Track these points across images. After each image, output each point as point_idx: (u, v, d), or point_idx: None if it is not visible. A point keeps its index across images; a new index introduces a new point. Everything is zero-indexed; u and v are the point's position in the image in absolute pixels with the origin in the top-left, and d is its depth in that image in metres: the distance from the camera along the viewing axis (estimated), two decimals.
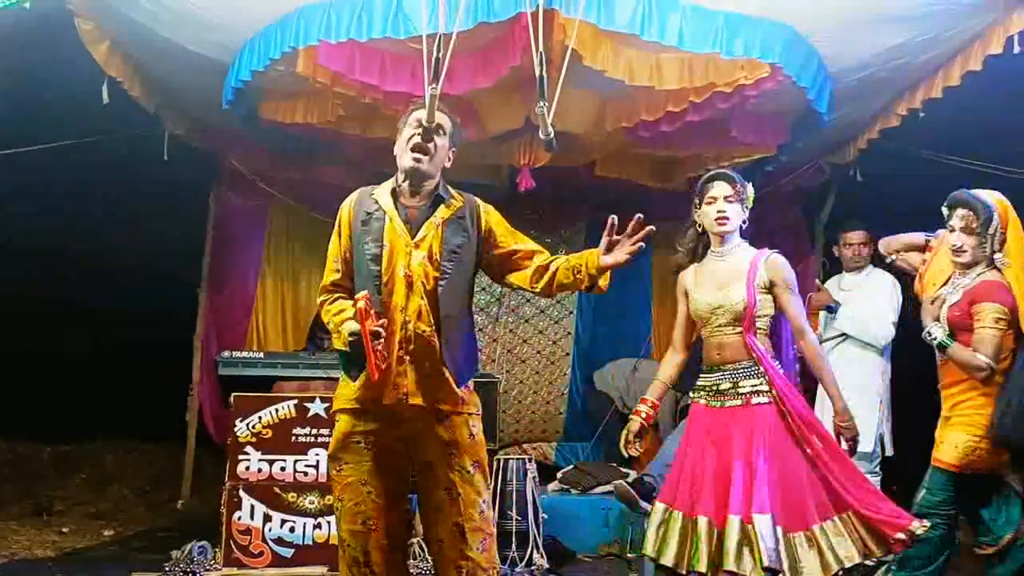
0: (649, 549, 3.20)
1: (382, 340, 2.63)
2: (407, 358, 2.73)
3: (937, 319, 3.48)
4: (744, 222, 3.27)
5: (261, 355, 5.04)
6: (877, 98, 4.79)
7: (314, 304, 5.28)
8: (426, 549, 4.11)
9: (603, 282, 2.80)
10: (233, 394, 4.48)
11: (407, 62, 4.11)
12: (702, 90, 4.23)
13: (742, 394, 3.16)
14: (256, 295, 6.37)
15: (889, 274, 4.83)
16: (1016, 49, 3.84)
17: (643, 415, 3.43)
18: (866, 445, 4.60)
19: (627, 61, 4.04)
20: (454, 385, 2.79)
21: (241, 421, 4.36)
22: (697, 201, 3.32)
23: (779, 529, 2.98)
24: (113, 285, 7.07)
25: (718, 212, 3.22)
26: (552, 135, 2.95)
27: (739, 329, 3.18)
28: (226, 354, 5.05)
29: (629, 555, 5.01)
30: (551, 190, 5.62)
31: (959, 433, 3.39)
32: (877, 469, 4.66)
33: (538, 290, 2.88)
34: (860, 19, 4.02)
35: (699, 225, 3.32)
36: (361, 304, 2.61)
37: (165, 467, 6.72)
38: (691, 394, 3.43)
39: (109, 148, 5.28)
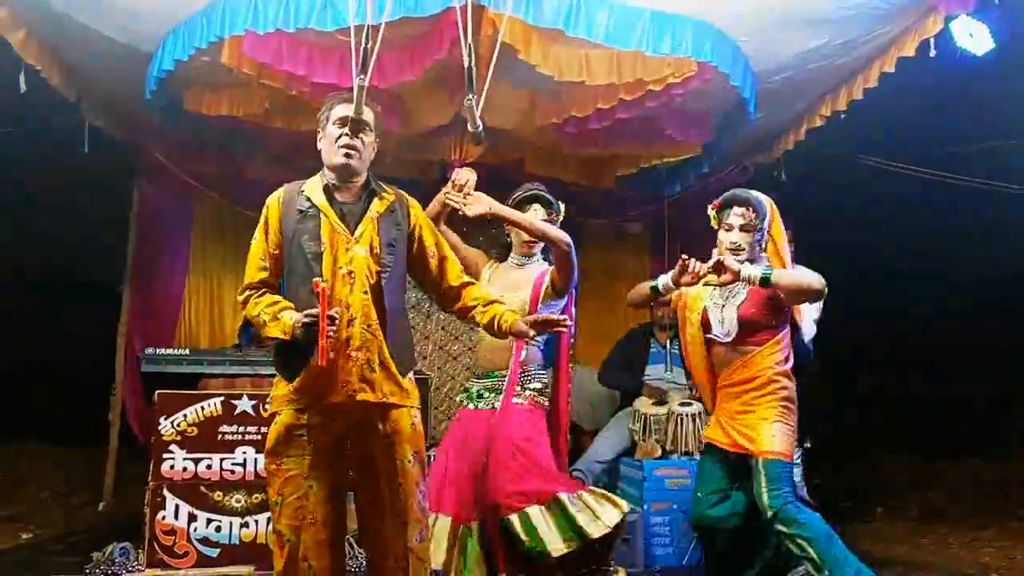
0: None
1: (336, 328, 2.64)
2: (353, 354, 2.73)
3: (721, 322, 3.55)
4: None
5: (187, 352, 4.94)
6: (798, 99, 4.93)
7: None
8: (359, 543, 4.10)
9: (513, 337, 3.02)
10: (157, 391, 4.38)
11: (335, 54, 4.07)
12: (632, 87, 4.30)
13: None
14: (184, 292, 6.23)
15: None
16: (932, 52, 3.99)
17: None
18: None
19: (556, 57, 4.08)
20: (400, 377, 2.81)
21: (166, 419, 4.27)
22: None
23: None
24: (30, 283, 6.85)
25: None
26: (481, 128, 2.97)
27: None
28: (150, 351, 4.94)
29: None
30: (480, 187, 5.62)
31: (772, 422, 3.44)
32: (798, 461, 4.79)
33: (450, 311, 3.07)
34: (779, 21, 4.13)
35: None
36: (323, 286, 2.63)
37: (84, 468, 6.53)
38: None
39: (25, 139, 5.12)
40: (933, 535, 5.83)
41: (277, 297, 2.82)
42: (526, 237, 3.64)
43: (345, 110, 2.83)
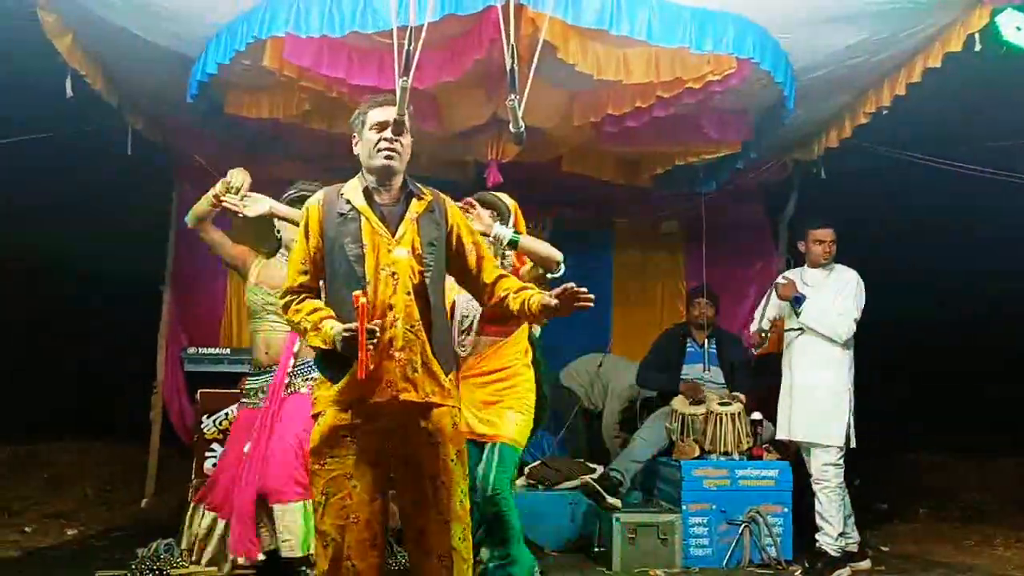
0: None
1: (376, 339, 2.65)
2: (396, 354, 2.74)
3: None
4: None
5: (228, 351, 5.01)
6: (839, 95, 4.86)
7: None
8: (398, 542, 4.12)
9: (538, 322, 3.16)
10: (199, 390, 4.45)
11: (374, 56, 4.10)
12: (670, 85, 4.27)
13: None
14: (226, 292, 6.29)
15: (854, 271, 4.93)
16: (977, 47, 3.93)
17: None
18: (838, 439, 4.70)
19: (594, 55, 4.07)
20: (442, 377, 2.82)
21: (207, 417, 4.34)
22: None
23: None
24: (74, 283, 6.95)
25: None
26: (523, 129, 2.97)
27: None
28: (192, 350, 5.02)
29: (596, 549, 5.04)
30: (516, 187, 5.63)
31: (516, 413, 3.55)
32: (840, 461, 4.74)
33: (488, 307, 3.06)
34: (820, 17, 4.07)
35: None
36: (363, 300, 2.63)
37: (127, 466, 6.62)
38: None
39: (69, 143, 5.19)
40: (977, 535, 5.76)
41: (318, 303, 2.84)
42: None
43: (381, 114, 2.85)
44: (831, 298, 4.85)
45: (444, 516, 2.79)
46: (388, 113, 2.82)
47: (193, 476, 4.41)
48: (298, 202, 3.70)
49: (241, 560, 3.39)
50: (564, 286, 2.81)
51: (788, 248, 6.33)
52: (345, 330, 2.66)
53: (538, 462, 5.83)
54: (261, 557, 3.43)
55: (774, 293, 5.03)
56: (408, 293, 2.77)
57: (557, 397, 6.60)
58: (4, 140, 4.72)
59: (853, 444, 4.76)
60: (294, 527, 3.44)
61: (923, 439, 7.58)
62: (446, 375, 2.85)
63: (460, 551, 2.81)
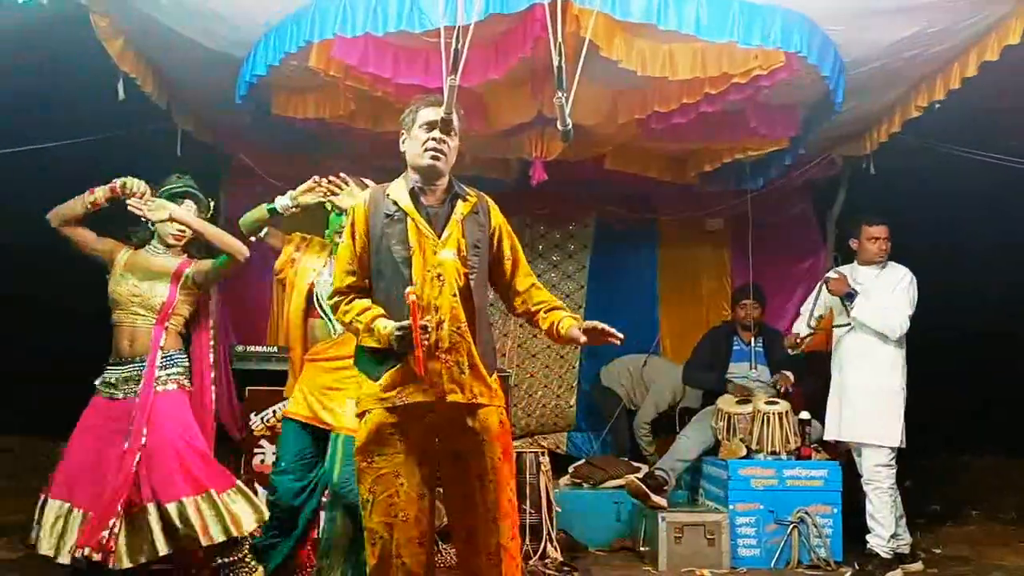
0: None
1: (429, 335, 2.67)
2: (443, 356, 2.75)
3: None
4: None
5: (275, 349, 5.06)
6: (891, 89, 4.76)
7: None
8: (444, 540, 4.14)
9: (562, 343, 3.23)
10: (247, 388, 4.50)
11: (419, 55, 4.10)
12: (717, 80, 4.22)
13: None
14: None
15: (906, 268, 4.84)
16: None
17: None
18: (892, 440, 4.62)
19: (639, 52, 4.03)
20: (488, 377, 2.84)
21: (256, 415, 4.39)
22: None
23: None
24: None
25: None
26: (570, 127, 2.95)
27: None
28: (240, 348, 5.07)
29: (642, 549, 5.02)
30: (560, 185, 5.62)
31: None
32: (892, 462, 4.66)
33: (516, 313, 3.10)
34: (871, 9, 4.00)
35: None
36: (413, 298, 2.65)
37: None
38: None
39: (120, 145, 5.27)
40: None
41: (367, 303, 2.85)
42: (176, 231, 3.80)
43: (431, 113, 2.86)
44: (883, 296, 4.77)
45: (492, 514, 2.80)
46: (439, 113, 2.83)
47: (242, 471, 4.46)
48: (179, 196, 3.86)
49: (86, 553, 3.35)
50: (594, 324, 2.85)
51: (836, 245, 6.23)
52: (399, 328, 2.67)
53: (583, 461, 5.83)
54: (97, 558, 3.37)
55: (823, 289, 4.94)
56: (454, 295, 2.79)
57: (599, 397, 6.61)
58: (53, 143, 4.81)
59: (903, 444, 4.68)
60: (192, 520, 3.47)
61: (975, 439, 7.42)
62: (490, 375, 2.86)
63: (509, 549, 2.82)
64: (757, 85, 4.24)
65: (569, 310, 3.04)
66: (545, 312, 2.98)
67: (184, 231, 3.78)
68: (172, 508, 3.45)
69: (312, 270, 3.73)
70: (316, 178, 3.79)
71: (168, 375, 3.66)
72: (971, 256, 6.56)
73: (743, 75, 4.14)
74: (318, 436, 3.61)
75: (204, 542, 3.46)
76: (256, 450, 4.52)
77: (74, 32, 4.00)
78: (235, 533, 3.52)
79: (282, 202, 3.79)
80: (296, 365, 3.76)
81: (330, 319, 3.58)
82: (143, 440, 3.48)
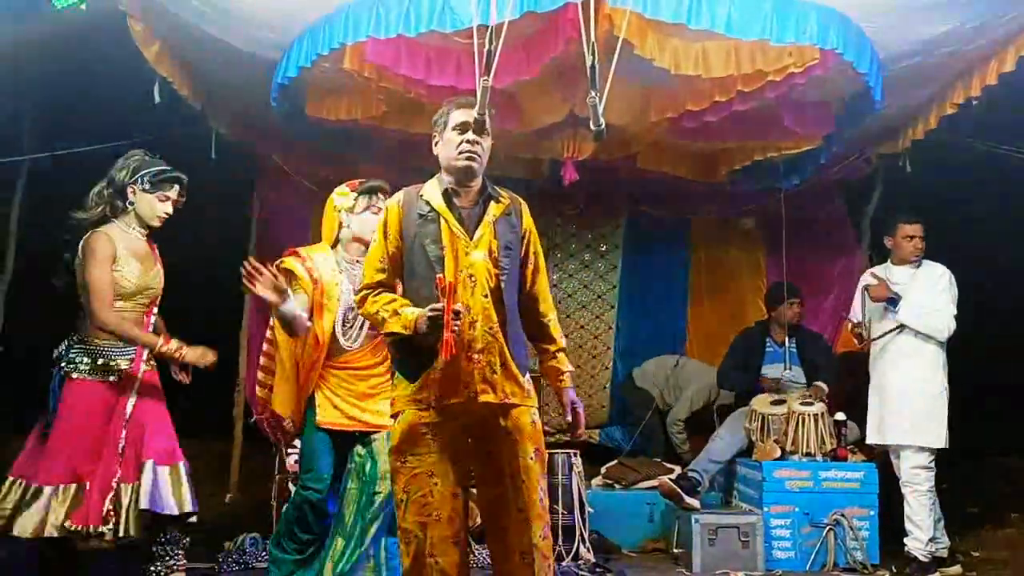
0: None
1: (460, 320, 2.67)
2: (475, 356, 2.76)
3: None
4: None
5: None
6: (927, 86, 4.70)
7: None
8: (477, 540, 4.13)
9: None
10: None
11: (451, 56, 4.12)
12: (750, 78, 4.19)
13: None
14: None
15: (943, 266, 4.77)
16: None
17: None
18: (935, 442, 4.55)
19: (672, 50, 4.01)
20: (520, 378, 2.84)
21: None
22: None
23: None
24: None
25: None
26: (603, 126, 2.95)
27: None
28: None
29: (675, 550, 4.99)
30: (590, 184, 5.61)
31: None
32: (931, 464, 4.60)
33: (526, 329, 3.05)
34: (907, 4, 3.95)
35: None
36: (449, 280, 2.68)
37: (210, 462, 6.77)
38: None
39: (153, 148, 5.33)
40: None
41: (394, 295, 2.88)
42: (164, 213, 3.72)
43: (464, 115, 2.87)
44: (923, 296, 4.70)
45: (525, 514, 2.80)
46: (472, 115, 2.84)
47: (276, 471, 4.50)
48: (167, 183, 3.71)
49: (77, 527, 3.40)
50: (573, 408, 3.00)
51: (871, 245, 6.16)
52: (431, 309, 2.69)
53: (615, 462, 5.80)
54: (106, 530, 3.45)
55: (866, 296, 4.85)
56: (485, 296, 2.80)
57: (631, 398, 6.58)
58: (86, 147, 4.87)
59: (946, 445, 4.61)
60: (179, 486, 3.51)
61: (1014, 441, 7.29)
62: (522, 375, 2.87)
63: (541, 548, 2.81)
64: (791, 82, 4.20)
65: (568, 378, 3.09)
66: (551, 356, 3.05)
67: (170, 213, 3.73)
68: (167, 471, 3.51)
69: (335, 284, 3.65)
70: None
71: (151, 358, 3.71)
72: (1009, 255, 6.44)
73: (777, 72, 4.11)
74: (344, 444, 3.62)
75: (176, 511, 3.49)
76: (291, 450, 4.53)
77: (110, 37, 4.06)
78: (188, 508, 3.55)
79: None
80: (290, 372, 3.66)
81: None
82: (137, 412, 3.56)
